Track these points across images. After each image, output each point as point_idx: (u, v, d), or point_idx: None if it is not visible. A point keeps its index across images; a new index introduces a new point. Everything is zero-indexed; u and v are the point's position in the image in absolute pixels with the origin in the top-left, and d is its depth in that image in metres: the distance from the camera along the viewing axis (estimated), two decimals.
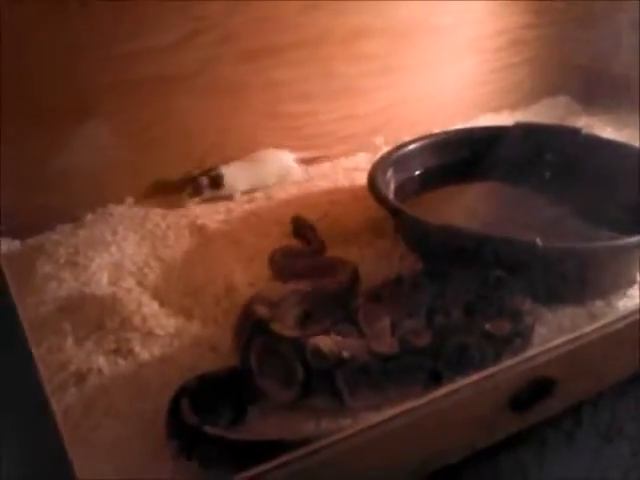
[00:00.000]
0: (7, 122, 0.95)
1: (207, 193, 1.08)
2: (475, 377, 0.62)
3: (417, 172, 1.03)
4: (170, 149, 1.11)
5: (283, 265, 0.87)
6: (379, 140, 1.24)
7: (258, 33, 1.10)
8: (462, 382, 0.62)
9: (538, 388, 0.67)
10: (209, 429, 0.60)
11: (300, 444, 0.57)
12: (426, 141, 1.05)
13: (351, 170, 1.17)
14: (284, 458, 0.55)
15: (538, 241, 0.75)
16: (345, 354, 0.64)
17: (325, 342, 0.65)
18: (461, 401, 0.62)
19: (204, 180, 1.07)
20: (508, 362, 0.63)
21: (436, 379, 0.64)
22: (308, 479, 0.57)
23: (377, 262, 0.89)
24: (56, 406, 0.68)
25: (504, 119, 1.29)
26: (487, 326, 0.67)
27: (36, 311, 0.82)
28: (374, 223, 0.97)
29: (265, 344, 0.67)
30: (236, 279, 0.86)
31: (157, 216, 1.03)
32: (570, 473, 0.70)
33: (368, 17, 1.17)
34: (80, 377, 0.72)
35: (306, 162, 1.17)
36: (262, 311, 0.70)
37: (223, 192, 1.08)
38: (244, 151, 1.15)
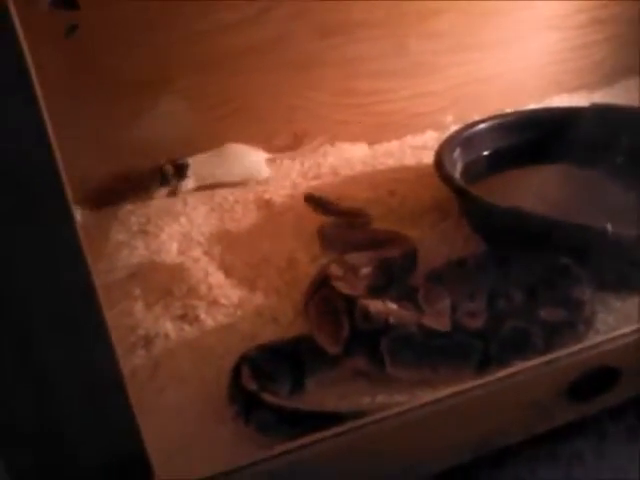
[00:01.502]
0: (87, 94, 1.00)
1: (174, 183, 1.05)
2: (530, 363, 0.61)
3: (486, 152, 1.01)
4: (243, 124, 1.13)
5: (336, 237, 0.87)
6: (449, 119, 1.22)
7: (331, 9, 1.10)
8: (516, 366, 0.61)
9: (601, 378, 0.65)
10: (267, 396, 0.61)
11: (353, 417, 0.58)
12: (496, 121, 1.02)
13: (418, 148, 1.16)
14: (337, 429, 0.57)
15: (609, 227, 0.72)
16: (392, 320, 0.64)
17: (376, 305, 0.66)
18: (515, 385, 0.61)
19: (170, 169, 1.05)
20: (565, 350, 0.62)
21: (485, 362, 0.64)
22: (361, 451, 0.58)
23: (440, 243, 0.88)
24: (124, 367, 0.73)
25: (580, 100, 1.25)
26: (542, 313, 0.66)
27: (109, 276, 0.86)
28: (439, 203, 0.96)
29: (324, 298, 0.70)
30: (299, 253, 0.88)
31: (225, 189, 1.06)
32: (631, 468, 0.69)
33: None
34: (148, 341, 0.75)
35: (273, 161, 1.14)
36: (335, 270, 0.73)
37: (189, 183, 1.06)
38: (316, 127, 1.17)
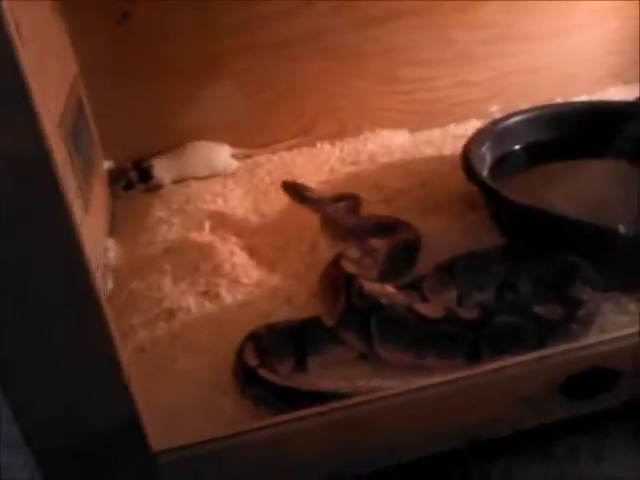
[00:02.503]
0: (142, 80, 1.07)
1: (140, 187, 1.07)
2: (520, 358, 0.62)
3: (518, 146, 1.00)
4: (285, 110, 1.17)
5: (339, 224, 0.89)
6: (494, 108, 1.21)
7: None
8: (506, 360, 0.62)
9: (596, 378, 0.65)
10: (262, 372, 0.65)
11: (341, 397, 0.62)
12: (530, 114, 1.00)
13: (459, 138, 1.15)
14: (322, 408, 0.60)
15: (621, 228, 0.72)
16: (384, 301, 0.66)
17: (372, 286, 0.68)
18: (505, 379, 0.63)
19: (134, 175, 1.07)
20: (556, 348, 0.63)
21: (475, 354, 0.65)
22: (345, 430, 0.62)
23: (463, 234, 0.89)
24: (147, 337, 0.79)
25: (635, 92, 1.20)
26: (536, 308, 0.67)
27: (146, 250, 0.93)
28: (468, 195, 0.96)
29: (331, 275, 0.73)
30: (322, 238, 0.91)
31: (263, 172, 1.11)
32: (630, 471, 0.68)
33: None
34: (171, 313, 0.80)
35: (244, 157, 1.15)
36: (350, 252, 0.76)
37: (153, 183, 1.08)
38: (358, 114, 1.19)
